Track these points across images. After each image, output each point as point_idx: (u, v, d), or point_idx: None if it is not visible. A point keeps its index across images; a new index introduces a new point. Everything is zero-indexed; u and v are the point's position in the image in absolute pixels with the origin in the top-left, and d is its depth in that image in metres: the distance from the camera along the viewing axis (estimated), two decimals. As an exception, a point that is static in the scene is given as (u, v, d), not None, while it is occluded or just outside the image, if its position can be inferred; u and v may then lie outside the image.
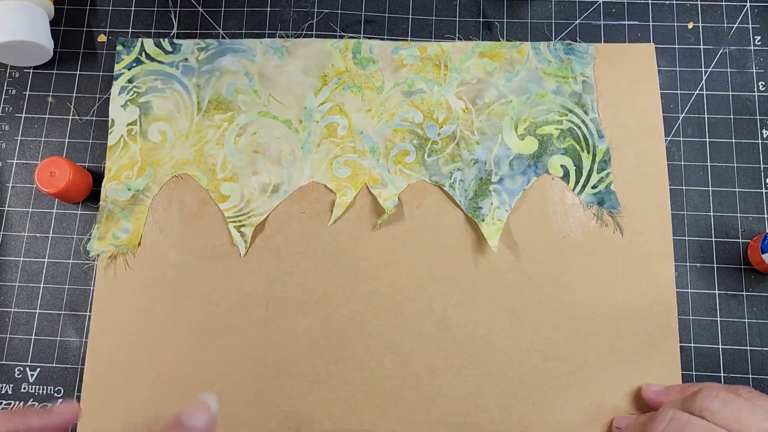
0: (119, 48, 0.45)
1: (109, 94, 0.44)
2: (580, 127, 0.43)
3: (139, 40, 0.45)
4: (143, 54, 0.45)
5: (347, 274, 0.41)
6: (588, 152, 0.43)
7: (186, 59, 0.44)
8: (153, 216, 0.42)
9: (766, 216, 0.42)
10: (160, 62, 0.44)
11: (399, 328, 0.40)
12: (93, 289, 0.41)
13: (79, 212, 0.43)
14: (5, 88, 0.45)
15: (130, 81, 0.44)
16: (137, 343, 0.40)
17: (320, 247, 0.41)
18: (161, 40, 0.45)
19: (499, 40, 0.45)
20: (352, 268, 0.41)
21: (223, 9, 0.46)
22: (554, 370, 0.40)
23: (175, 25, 0.46)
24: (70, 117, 0.44)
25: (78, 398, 0.40)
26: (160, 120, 0.43)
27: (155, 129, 0.43)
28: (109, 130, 0.43)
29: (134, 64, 0.44)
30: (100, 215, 0.42)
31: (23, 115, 0.44)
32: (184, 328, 0.40)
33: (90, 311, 0.41)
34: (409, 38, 0.46)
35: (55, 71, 0.45)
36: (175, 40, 0.45)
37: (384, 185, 0.42)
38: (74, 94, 0.45)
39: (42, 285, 0.42)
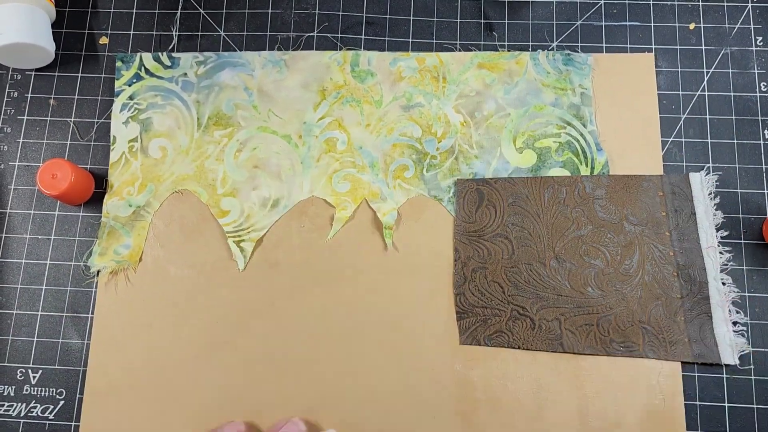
0: (119, 64, 0.45)
1: (112, 108, 0.44)
2: (578, 140, 0.43)
3: (138, 54, 0.45)
4: (142, 69, 0.45)
5: (347, 288, 0.41)
6: (586, 165, 0.43)
7: (185, 74, 0.44)
8: (154, 232, 0.42)
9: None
10: (159, 77, 0.44)
11: (401, 342, 0.40)
12: (95, 291, 0.41)
13: (81, 214, 0.43)
14: (7, 90, 0.45)
15: (130, 98, 0.44)
16: (138, 358, 0.40)
17: (320, 261, 0.42)
18: (159, 54, 0.45)
19: (499, 42, 0.45)
20: (351, 281, 0.41)
21: (224, 11, 0.46)
22: (551, 385, 0.40)
23: (177, 26, 0.46)
24: (72, 119, 0.44)
25: (80, 401, 0.40)
26: (160, 136, 0.43)
27: (156, 145, 0.43)
28: (111, 147, 0.43)
29: (134, 80, 0.44)
30: (102, 231, 0.42)
31: (25, 118, 0.44)
32: (185, 343, 0.41)
33: (92, 313, 0.41)
34: (410, 39, 0.46)
35: (56, 73, 0.45)
36: (174, 54, 0.45)
37: (383, 200, 0.42)
38: (76, 97, 0.45)
39: (44, 287, 0.42)
